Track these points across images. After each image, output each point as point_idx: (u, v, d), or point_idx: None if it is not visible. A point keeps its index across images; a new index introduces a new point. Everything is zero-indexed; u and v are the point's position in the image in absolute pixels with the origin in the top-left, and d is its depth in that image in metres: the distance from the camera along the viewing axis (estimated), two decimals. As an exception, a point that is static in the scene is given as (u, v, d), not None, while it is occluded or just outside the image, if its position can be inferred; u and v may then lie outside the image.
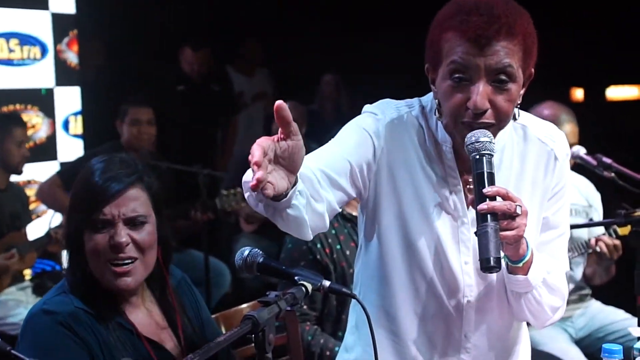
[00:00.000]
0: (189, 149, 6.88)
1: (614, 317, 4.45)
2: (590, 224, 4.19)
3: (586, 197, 4.52)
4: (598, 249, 4.19)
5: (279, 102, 1.94)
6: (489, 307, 2.43)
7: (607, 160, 4.13)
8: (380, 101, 2.39)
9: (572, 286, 4.48)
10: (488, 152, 2.14)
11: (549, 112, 4.37)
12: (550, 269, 2.37)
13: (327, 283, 2.26)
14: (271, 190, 1.94)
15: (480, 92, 2.15)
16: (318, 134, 6.97)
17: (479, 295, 2.41)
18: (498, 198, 2.11)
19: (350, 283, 3.74)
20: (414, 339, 2.44)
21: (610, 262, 4.30)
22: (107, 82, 7.21)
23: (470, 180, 2.25)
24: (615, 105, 9.14)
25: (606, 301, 4.61)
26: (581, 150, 4.25)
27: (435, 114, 2.32)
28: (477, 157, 2.15)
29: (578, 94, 8.86)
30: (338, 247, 3.79)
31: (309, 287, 2.25)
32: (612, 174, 4.10)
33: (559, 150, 2.43)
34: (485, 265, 2.07)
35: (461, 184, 2.37)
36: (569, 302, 4.46)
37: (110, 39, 7.43)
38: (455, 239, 2.37)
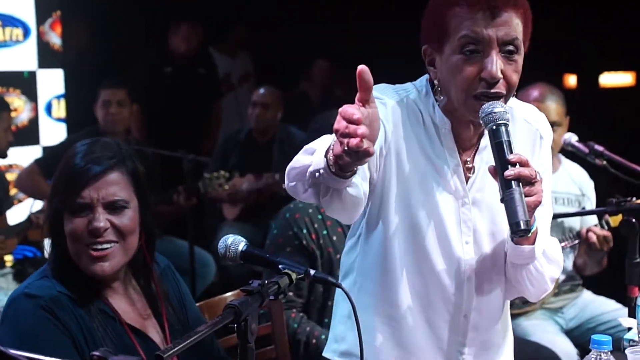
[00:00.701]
0: (174, 133, 6.85)
1: (605, 307, 4.46)
2: (581, 213, 4.20)
3: (579, 185, 4.51)
4: (588, 240, 4.19)
5: (361, 66, 1.93)
6: (488, 287, 2.49)
7: (599, 148, 4.13)
8: (378, 85, 2.39)
9: (563, 277, 4.47)
10: (504, 121, 2.22)
11: (537, 92, 4.36)
12: (547, 240, 2.45)
13: (312, 272, 2.26)
14: (372, 149, 1.94)
15: (495, 62, 2.24)
16: (302, 118, 6.97)
17: (478, 274, 2.46)
18: (517, 166, 2.19)
19: (337, 270, 3.74)
20: (415, 324, 2.48)
21: (601, 254, 4.29)
22: (91, 65, 7.16)
23: (468, 160, 2.41)
24: (609, 92, 9.14)
25: (598, 291, 4.61)
26: (573, 138, 4.24)
27: (434, 95, 2.39)
28: (494, 127, 2.22)
29: (571, 80, 8.86)
30: (325, 232, 3.78)
31: (294, 276, 2.25)
32: (604, 162, 4.09)
33: (543, 130, 2.52)
34: (516, 229, 2.14)
35: (461, 165, 2.43)
36: (560, 293, 4.46)
37: (94, 20, 7.38)
38: (457, 219, 2.43)
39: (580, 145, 4.20)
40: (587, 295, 4.57)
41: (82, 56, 7.32)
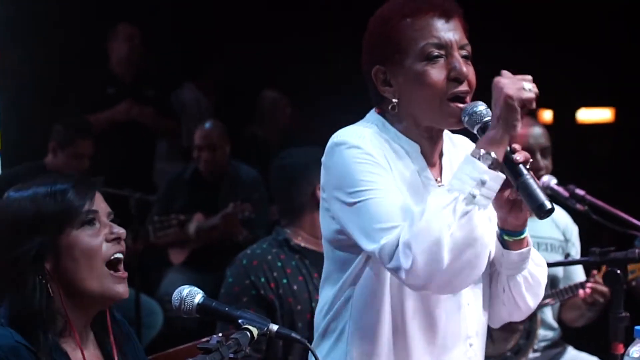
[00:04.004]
0: (120, 168, 6.74)
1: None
2: (561, 263, 4.22)
3: (563, 230, 4.54)
4: (593, 299, 4.20)
5: None
6: (484, 309, 2.60)
7: (580, 192, 4.15)
8: (340, 133, 2.48)
9: (550, 333, 4.50)
10: (489, 117, 2.38)
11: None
12: None
13: (274, 327, 2.28)
14: None
15: (460, 61, 2.45)
16: (261, 159, 6.94)
17: (473, 295, 2.57)
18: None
19: (298, 321, 3.75)
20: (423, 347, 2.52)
21: (600, 308, 4.29)
22: (29, 91, 7.05)
23: (437, 179, 2.55)
24: (586, 129, 9.23)
25: (578, 345, 4.63)
26: (552, 181, 4.27)
27: (392, 123, 2.52)
28: (482, 125, 2.39)
29: (547, 115, 8.94)
30: (285, 281, 3.78)
31: (255, 331, 2.24)
32: (586, 207, 4.12)
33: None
34: (544, 210, 2.32)
35: (436, 185, 2.54)
36: (541, 349, 4.47)
37: (32, 40, 7.28)
38: None
39: (560, 189, 4.23)
40: (570, 352, 4.58)
41: (19, 80, 7.20)
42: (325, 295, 2.59)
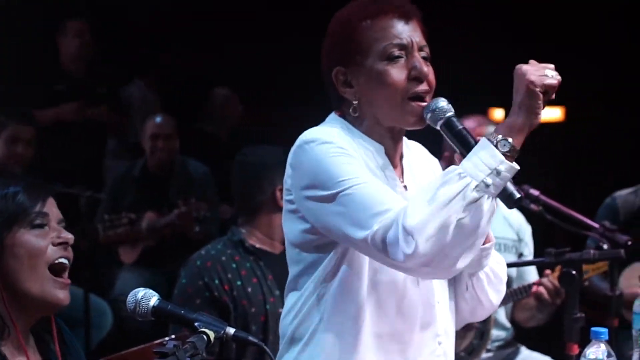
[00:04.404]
0: (70, 166, 6.67)
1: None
2: (516, 264, 4.23)
3: (517, 230, 4.56)
4: (541, 296, 4.21)
5: None
6: (450, 307, 2.62)
7: (535, 192, 4.17)
8: (307, 132, 2.48)
9: (503, 333, 4.51)
10: (452, 112, 2.43)
11: (473, 122, 4.41)
12: None
13: (231, 330, 2.26)
14: None
15: (421, 61, 2.48)
16: (210, 156, 6.90)
17: (442, 293, 2.58)
18: None
19: (252, 323, 3.73)
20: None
21: (552, 307, 4.32)
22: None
23: (400, 180, 2.56)
24: (538, 127, 9.29)
25: (531, 345, 4.66)
26: (507, 181, 4.28)
27: (353, 125, 2.53)
28: (447, 120, 2.42)
29: (498, 114, 8.98)
30: (239, 283, 3.77)
31: (211, 335, 2.23)
32: (540, 207, 4.14)
33: (434, 160, 2.76)
34: (514, 200, 2.33)
35: (401, 185, 2.56)
36: (494, 349, 4.49)
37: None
38: None
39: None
40: (523, 352, 4.61)
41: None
42: (292, 300, 2.57)
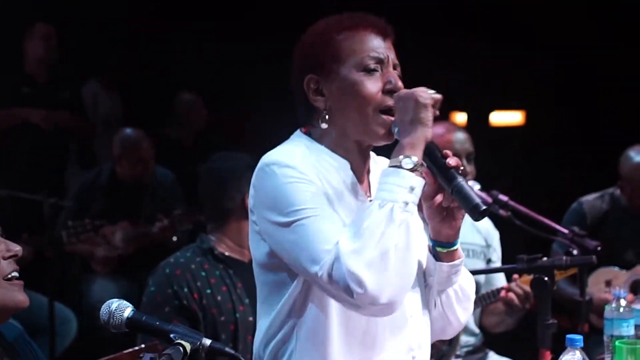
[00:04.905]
0: (34, 172, 6.59)
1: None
2: (488, 270, 4.24)
3: (485, 236, 4.56)
4: (510, 301, 4.22)
5: None
6: (425, 321, 2.61)
7: (504, 198, 4.18)
8: (270, 154, 2.49)
9: (471, 339, 4.52)
10: None
11: (442, 128, 4.41)
12: None
13: (207, 342, 2.27)
14: None
15: (396, 75, 2.51)
16: (175, 163, 6.85)
17: (417, 308, 2.58)
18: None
19: (221, 332, 3.71)
20: None
21: (521, 313, 4.33)
22: None
23: (368, 195, 2.56)
24: (499, 131, 9.35)
25: (501, 350, 4.67)
26: (475, 186, 4.28)
27: (318, 141, 2.54)
28: None
29: (460, 118, 9.03)
30: (208, 291, 3.74)
31: (188, 346, 2.21)
32: (509, 213, 4.15)
33: None
34: (479, 212, 2.38)
35: (367, 202, 2.55)
36: (463, 355, 4.49)
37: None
38: None
39: (483, 195, 4.24)
40: (492, 357, 4.62)
41: None
42: (264, 323, 2.55)
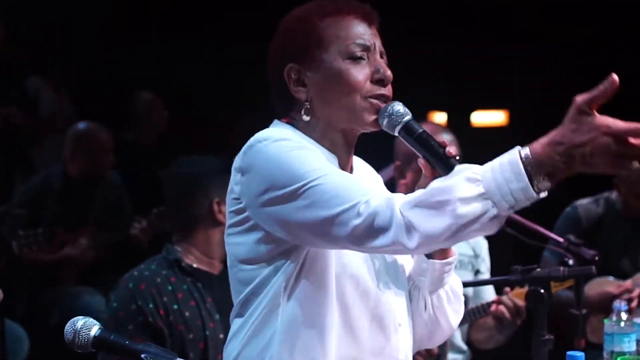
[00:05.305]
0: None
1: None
2: (480, 282, 4.22)
3: (473, 245, 4.55)
4: (500, 315, 4.21)
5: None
6: (409, 329, 2.61)
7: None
8: (258, 134, 2.44)
9: (459, 357, 4.51)
10: (409, 115, 2.43)
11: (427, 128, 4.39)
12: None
13: None
14: None
15: (384, 64, 2.50)
16: (134, 167, 6.80)
17: (403, 315, 2.58)
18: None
19: (189, 350, 3.69)
20: None
21: (513, 328, 4.32)
22: None
23: None
24: (481, 132, 9.40)
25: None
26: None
27: (302, 131, 2.51)
28: (404, 125, 2.42)
29: (440, 118, 9.05)
30: (175, 307, 3.72)
31: (161, 366, 2.18)
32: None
33: (377, 174, 2.77)
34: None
35: None
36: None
37: None
38: (369, 266, 2.51)
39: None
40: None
41: None
42: (237, 324, 2.52)
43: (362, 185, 2.33)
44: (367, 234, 2.24)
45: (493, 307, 4.25)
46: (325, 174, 2.31)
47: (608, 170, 2.09)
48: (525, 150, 2.13)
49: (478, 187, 2.15)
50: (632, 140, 2.06)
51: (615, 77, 2.09)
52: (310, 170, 2.31)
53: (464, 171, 2.20)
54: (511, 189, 2.13)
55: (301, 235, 2.36)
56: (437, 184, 2.22)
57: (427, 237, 2.18)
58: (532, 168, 2.12)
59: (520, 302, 4.13)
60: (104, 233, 6.03)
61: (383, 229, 2.21)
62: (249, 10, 7.00)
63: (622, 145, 2.05)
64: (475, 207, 2.15)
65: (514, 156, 2.13)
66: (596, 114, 2.10)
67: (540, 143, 2.13)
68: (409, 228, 2.18)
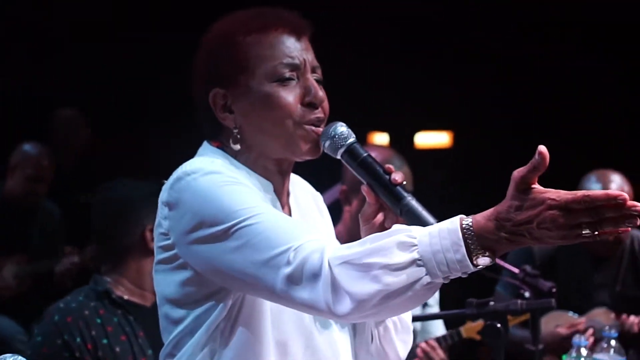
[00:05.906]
0: None
1: None
2: (433, 316, 4.25)
3: None
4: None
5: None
6: (350, 355, 2.58)
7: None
8: (186, 165, 2.40)
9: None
10: (353, 138, 2.43)
11: (380, 155, 4.43)
12: None
13: None
14: None
15: (316, 84, 2.46)
16: (52, 190, 6.76)
17: (346, 350, 2.56)
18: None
19: (117, 386, 3.68)
20: None
21: None
22: None
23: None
24: (425, 154, 9.49)
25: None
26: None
27: (234, 157, 2.48)
28: (347, 148, 2.42)
29: (382, 139, 9.14)
30: (105, 341, 3.71)
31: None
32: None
33: (313, 191, 2.75)
34: None
35: None
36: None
37: None
38: None
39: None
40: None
41: None
42: None
43: (297, 228, 2.28)
44: (294, 284, 2.20)
45: (419, 352, 4.30)
46: (259, 213, 2.27)
47: (561, 242, 2.09)
48: (468, 220, 2.12)
49: (412, 253, 2.13)
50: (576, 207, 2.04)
51: (543, 149, 2.09)
52: (243, 208, 2.28)
53: (400, 233, 2.16)
54: (447, 258, 2.11)
55: (229, 279, 2.33)
56: (369, 242, 2.18)
57: (356, 300, 2.14)
58: (472, 241, 2.10)
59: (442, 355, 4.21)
60: (32, 263, 5.99)
61: (310, 281, 2.19)
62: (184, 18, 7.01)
63: (571, 216, 2.04)
64: (407, 275, 2.13)
65: (455, 225, 2.12)
66: (538, 186, 2.09)
67: (484, 216, 2.11)
68: (335, 287, 2.16)
